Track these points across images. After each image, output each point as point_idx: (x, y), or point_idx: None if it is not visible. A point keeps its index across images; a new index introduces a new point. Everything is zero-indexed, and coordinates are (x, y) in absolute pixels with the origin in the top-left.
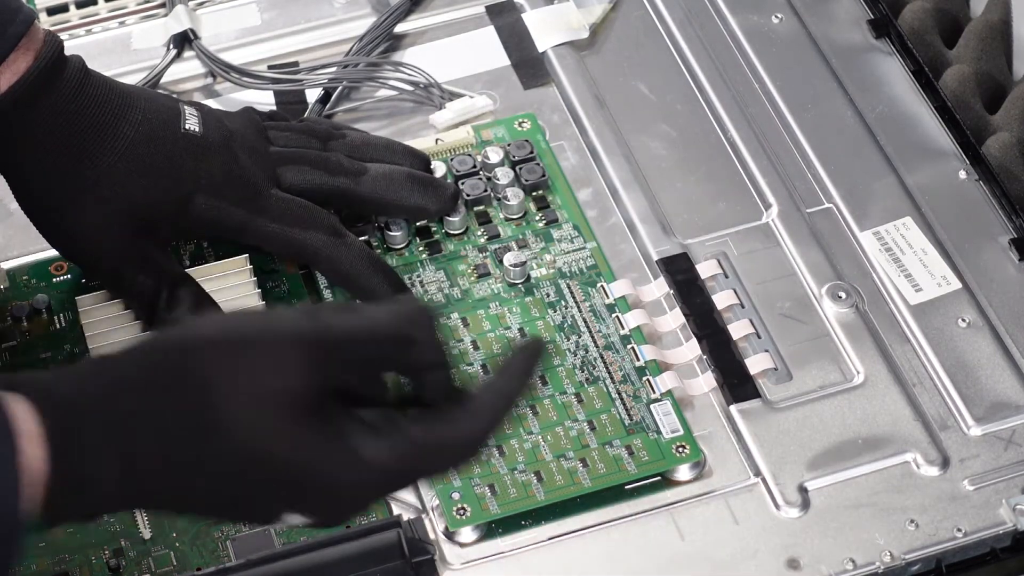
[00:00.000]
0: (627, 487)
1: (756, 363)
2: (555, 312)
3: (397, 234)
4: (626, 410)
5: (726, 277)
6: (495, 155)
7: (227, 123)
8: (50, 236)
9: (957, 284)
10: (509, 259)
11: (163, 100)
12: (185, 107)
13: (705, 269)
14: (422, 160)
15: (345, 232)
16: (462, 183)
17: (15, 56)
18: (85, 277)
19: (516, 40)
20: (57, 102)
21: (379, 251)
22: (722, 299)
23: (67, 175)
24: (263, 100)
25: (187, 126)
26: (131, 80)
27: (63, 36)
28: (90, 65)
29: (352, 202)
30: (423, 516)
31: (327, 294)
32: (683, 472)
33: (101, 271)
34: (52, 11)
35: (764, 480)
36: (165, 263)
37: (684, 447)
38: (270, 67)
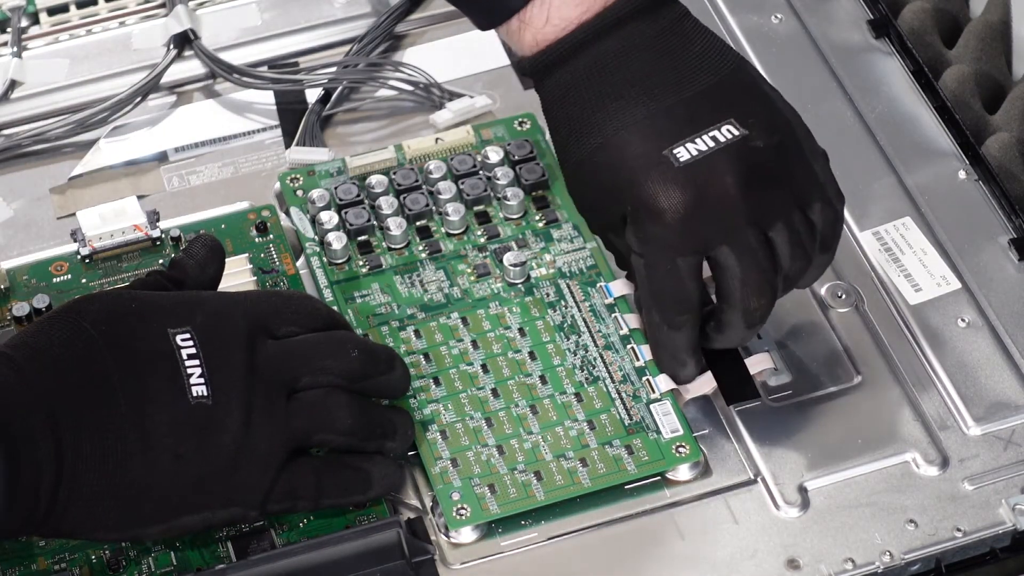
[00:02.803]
0: (627, 487)
1: (756, 363)
2: (555, 312)
3: (397, 233)
4: (626, 410)
5: None
6: (495, 155)
7: None
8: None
9: (957, 284)
10: (509, 259)
11: None
12: None
13: (705, 269)
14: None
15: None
16: (462, 183)
17: None
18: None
19: None
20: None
21: (379, 251)
22: None
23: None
24: (263, 100)
25: None
26: (131, 80)
27: (63, 36)
28: (90, 65)
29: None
30: (423, 516)
31: (326, 294)
32: (683, 472)
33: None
34: (52, 11)
35: (764, 480)
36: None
37: (684, 447)
38: (270, 67)
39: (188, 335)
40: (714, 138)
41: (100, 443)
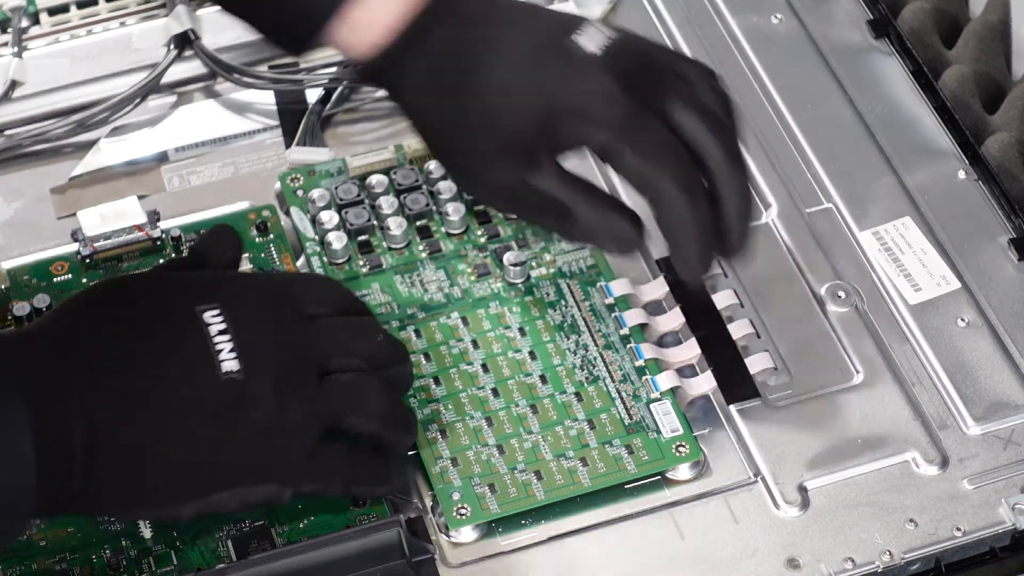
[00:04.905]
0: (627, 487)
1: (756, 363)
2: (555, 312)
3: (397, 233)
4: (626, 409)
5: (726, 277)
6: None
7: None
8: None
9: (956, 284)
10: (509, 259)
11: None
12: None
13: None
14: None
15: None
16: None
17: None
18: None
19: None
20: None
21: (379, 251)
22: (722, 299)
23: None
24: (263, 100)
25: None
26: (131, 80)
27: (63, 36)
28: (90, 66)
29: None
30: (423, 516)
31: None
32: (683, 472)
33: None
34: (53, 11)
35: (764, 480)
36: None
37: (684, 447)
38: (270, 67)
39: (217, 311)
40: (599, 30)
41: (131, 419)
